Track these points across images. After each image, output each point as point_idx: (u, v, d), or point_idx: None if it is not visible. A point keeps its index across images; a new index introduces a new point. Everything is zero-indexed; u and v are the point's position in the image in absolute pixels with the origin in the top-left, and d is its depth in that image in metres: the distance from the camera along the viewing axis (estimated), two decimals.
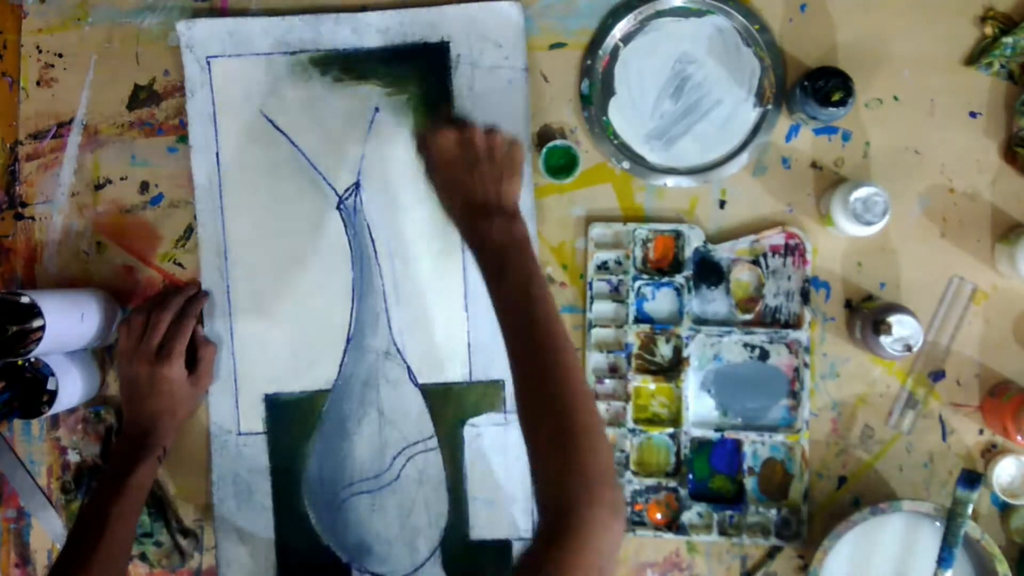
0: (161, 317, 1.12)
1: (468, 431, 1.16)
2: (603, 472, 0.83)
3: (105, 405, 1.19)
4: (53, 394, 1.12)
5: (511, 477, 1.15)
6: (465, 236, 1.01)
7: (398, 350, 1.17)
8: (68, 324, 1.10)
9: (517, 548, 1.15)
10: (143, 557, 1.18)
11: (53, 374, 1.12)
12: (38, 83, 1.22)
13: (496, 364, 1.16)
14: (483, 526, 1.16)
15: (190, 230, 1.19)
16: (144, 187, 1.20)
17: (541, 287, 0.93)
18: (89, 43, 1.21)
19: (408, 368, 1.17)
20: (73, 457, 1.19)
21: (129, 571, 1.16)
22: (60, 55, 1.22)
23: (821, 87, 1.06)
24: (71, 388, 1.14)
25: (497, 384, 1.16)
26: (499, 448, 1.16)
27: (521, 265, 0.94)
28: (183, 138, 1.19)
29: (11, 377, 1.13)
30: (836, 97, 1.06)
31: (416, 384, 1.17)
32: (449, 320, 1.17)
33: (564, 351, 0.89)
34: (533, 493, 0.86)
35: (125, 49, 1.21)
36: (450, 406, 1.16)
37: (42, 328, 1.05)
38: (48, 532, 1.20)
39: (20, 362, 1.13)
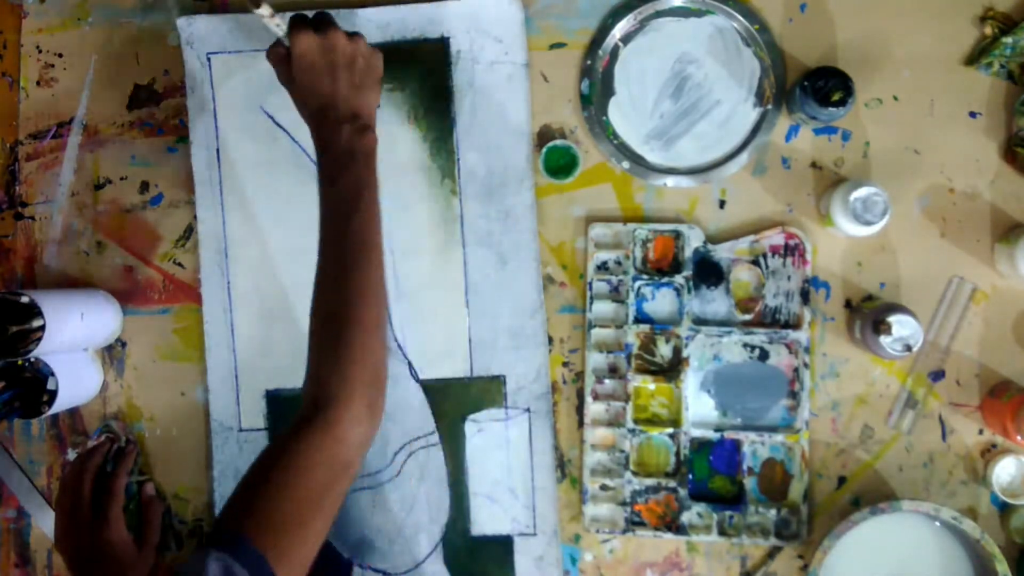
0: (81, 485, 1.11)
1: (469, 426, 1.16)
2: (369, 377, 0.88)
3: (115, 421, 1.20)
4: (53, 394, 1.12)
5: (513, 472, 1.16)
6: (314, 138, 1.00)
7: (399, 346, 1.17)
8: (68, 324, 1.10)
9: (518, 543, 1.16)
10: None
11: (53, 374, 1.12)
12: (38, 83, 1.22)
13: (498, 360, 1.16)
14: (485, 521, 1.16)
15: (190, 230, 1.19)
16: (144, 187, 1.20)
17: (371, 199, 0.96)
18: (89, 43, 1.21)
19: (409, 364, 1.17)
20: (73, 457, 1.19)
21: None
22: (60, 55, 1.22)
23: (821, 87, 1.06)
24: (71, 388, 1.14)
25: (498, 380, 1.16)
26: (501, 443, 1.16)
27: (358, 175, 0.97)
28: (183, 138, 1.19)
29: (11, 377, 1.13)
30: (836, 97, 1.06)
31: (417, 380, 1.17)
32: (450, 315, 1.17)
33: (368, 260, 0.93)
34: (303, 386, 0.90)
35: (125, 49, 1.21)
36: (451, 401, 1.17)
37: (42, 328, 1.05)
38: (47, 532, 1.20)
39: (20, 362, 1.13)
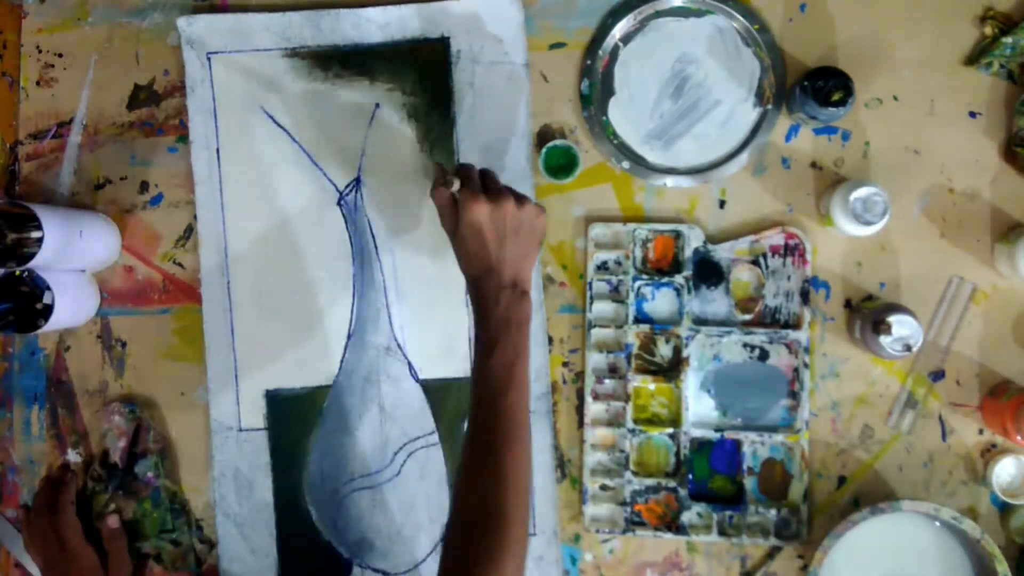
0: (41, 522, 1.14)
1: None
2: (518, 563, 0.90)
3: (138, 406, 1.19)
4: (49, 309, 1.11)
5: None
6: (472, 297, 1.02)
7: (399, 346, 1.17)
8: (67, 239, 1.10)
9: None
10: (158, 558, 1.18)
11: (50, 288, 1.11)
12: (38, 83, 1.22)
13: None
14: None
15: (190, 230, 1.19)
16: (144, 187, 1.20)
17: (524, 371, 0.98)
18: (89, 43, 1.21)
19: (409, 364, 1.17)
20: (73, 457, 1.20)
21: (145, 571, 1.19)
22: (60, 55, 1.22)
23: (821, 87, 1.06)
24: (67, 307, 1.14)
25: None
26: None
27: (514, 344, 0.98)
28: (183, 138, 1.19)
29: (8, 290, 1.13)
30: (836, 97, 1.06)
31: (417, 380, 1.17)
32: (450, 315, 1.17)
33: (520, 441, 0.95)
34: (441, 560, 0.91)
35: (125, 49, 1.21)
36: (451, 401, 1.17)
37: (40, 240, 1.05)
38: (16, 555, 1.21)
39: (18, 273, 1.12)
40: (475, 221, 1.00)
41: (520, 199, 1.03)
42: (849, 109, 1.06)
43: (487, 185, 1.04)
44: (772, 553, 1.13)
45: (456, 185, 1.03)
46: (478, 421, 0.96)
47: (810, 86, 1.06)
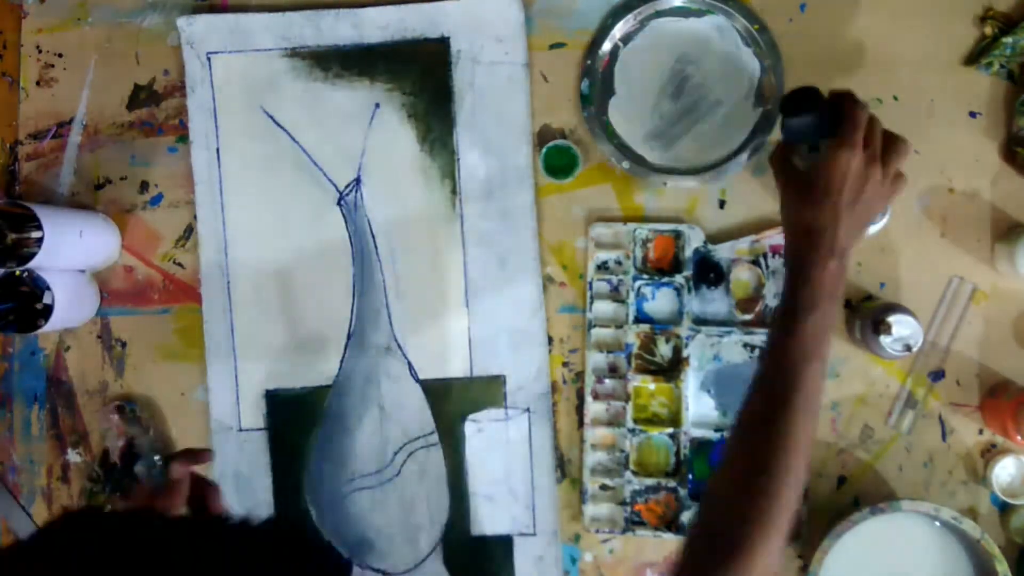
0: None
1: (469, 426, 1.16)
2: (786, 530, 0.82)
3: (138, 406, 1.19)
4: (49, 309, 1.11)
5: (512, 472, 1.16)
6: (792, 250, 0.92)
7: (399, 346, 1.17)
8: (67, 239, 1.10)
9: (518, 543, 1.16)
10: None
11: (50, 288, 1.11)
12: (38, 83, 1.22)
13: (497, 359, 1.16)
14: (484, 521, 1.16)
15: (190, 230, 1.19)
16: (144, 187, 1.20)
17: (828, 345, 0.88)
18: (89, 43, 1.21)
19: (409, 364, 1.17)
20: (73, 457, 1.20)
21: None
22: (60, 55, 1.22)
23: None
24: (67, 307, 1.14)
25: (498, 380, 1.16)
26: (500, 443, 1.16)
27: (827, 316, 0.88)
28: (183, 138, 1.19)
29: (8, 290, 1.13)
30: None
31: (417, 380, 1.17)
32: (450, 316, 1.17)
33: (812, 417, 0.86)
34: (701, 509, 0.85)
35: (125, 49, 1.21)
36: (451, 402, 1.17)
37: (40, 240, 1.05)
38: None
39: (18, 273, 1.12)
40: (841, 170, 0.89)
41: (895, 173, 0.92)
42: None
43: (869, 134, 0.91)
44: None
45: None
46: (773, 385, 0.86)
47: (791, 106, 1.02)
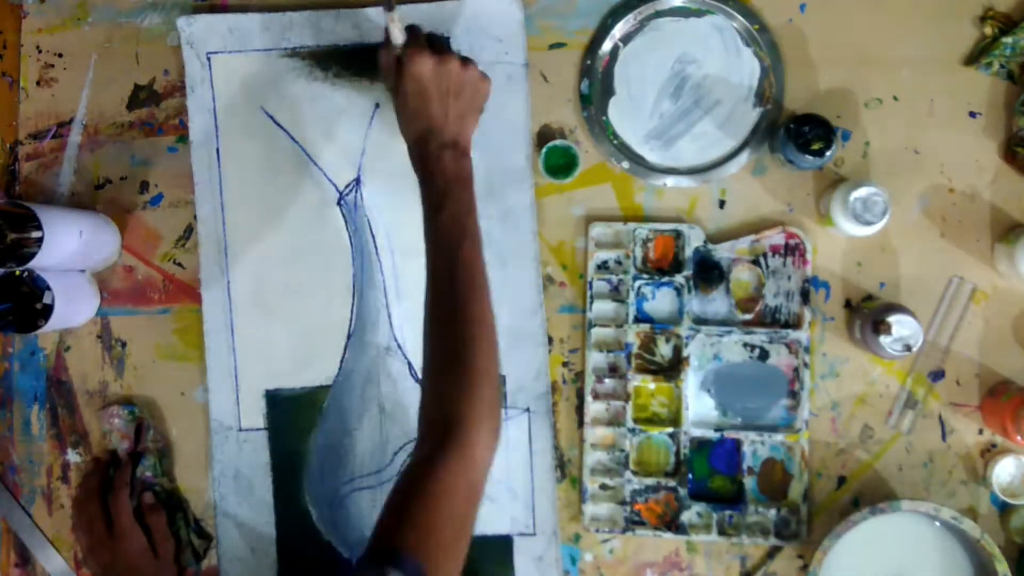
0: (91, 505, 1.14)
1: None
2: (491, 401, 0.91)
3: (138, 406, 1.19)
4: (49, 309, 1.11)
5: (512, 472, 1.16)
6: (414, 161, 1.02)
7: (399, 345, 1.17)
8: (67, 239, 1.10)
9: (518, 543, 1.16)
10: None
11: (50, 288, 1.11)
12: (38, 83, 1.22)
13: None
14: (484, 521, 1.15)
15: (190, 230, 1.19)
16: (144, 187, 1.20)
17: (475, 223, 0.98)
18: (89, 43, 1.21)
19: (409, 363, 1.17)
20: (73, 457, 1.20)
21: None
22: (60, 55, 1.22)
23: (804, 133, 1.06)
24: (67, 307, 1.14)
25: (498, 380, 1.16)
26: (500, 443, 1.15)
27: (463, 199, 0.99)
28: (183, 138, 1.19)
29: (8, 290, 1.13)
30: (815, 147, 1.06)
31: (417, 380, 1.17)
32: None
33: (481, 288, 0.95)
34: (420, 407, 0.93)
35: (125, 49, 1.21)
36: None
37: (40, 240, 1.05)
38: (50, 570, 1.21)
39: (17, 273, 1.12)
40: (419, 75, 1.00)
41: (465, 61, 1.04)
42: (827, 160, 1.07)
43: (434, 45, 1.03)
44: (772, 553, 1.13)
45: (401, 39, 1.03)
46: (439, 275, 0.96)
47: (795, 130, 1.06)
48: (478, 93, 1.06)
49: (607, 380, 1.16)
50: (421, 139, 1.01)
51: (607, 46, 1.16)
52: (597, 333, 1.16)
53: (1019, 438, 1.06)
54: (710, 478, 1.15)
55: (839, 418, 1.13)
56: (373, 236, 1.17)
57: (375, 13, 1.17)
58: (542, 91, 1.17)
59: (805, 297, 1.12)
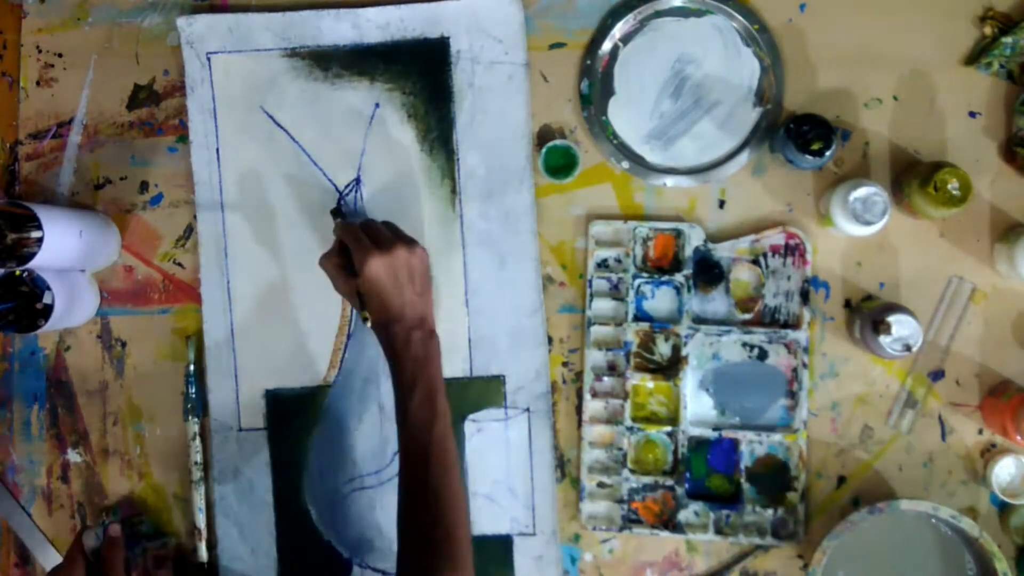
0: None
1: (469, 426, 1.16)
2: (465, 563, 0.97)
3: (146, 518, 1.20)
4: (49, 309, 1.11)
5: (512, 472, 1.16)
6: (383, 343, 1.05)
7: None
8: (67, 238, 1.10)
9: (518, 543, 1.16)
10: (157, 558, 1.18)
11: (50, 288, 1.11)
12: (38, 83, 1.22)
13: (497, 360, 1.16)
14: (484, 521, 1.16)
15: (190, 230, 1.19)
16: (144, 187, 1.20)
17: (443, 401, 1.02)
18: (89, 43, 1.21)
19: None
20: (73, 457, 1.20)
21: None
22: (60, 55, 1.22)
23: (804, 132, 1.06)
24: (68, 307, 1.14)
25: (498, 380, 1.16)
26: (500, 443, 1.16)
27: (432, 379, 1.03)
28: (183, 138, 1.19)
29: (8, 290, 1.13)
30: (815, 147, 1.06)
31: None
32: (450, 315, 1.17)
33: (453, 464, 1.01)
34: (398, 570, 0.98)
35: (125, 49, 1.21)
36: (451, 401, 1.15)
37: (40, 240, 1.05)
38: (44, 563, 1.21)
39: (18, 273, 1.13)
40: (375, 277, 1.03)
41: (408, 242, 1.06)
42: (827, 160, 1.08)
43: (372, 236, 1.06)
44: (771, 552, 1.13)
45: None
46: (414, 453, 1.00)
47: (794, 130, 1.06)
48: (427, 268, 1.08)
49: (606, 378, 1.16)
50: (388, 326, 1.04)
51: (607, 46, 1.16)
52: (596, 331, 1.16)
53: (1019, 438, 1.06)
54: (708, 477, 1.15)
55: (839, 418, 1.13)
56: None
57: (375, 13, 1.17)
58: (542, 91, 1.17)
59: (805, 297, 1.12)
